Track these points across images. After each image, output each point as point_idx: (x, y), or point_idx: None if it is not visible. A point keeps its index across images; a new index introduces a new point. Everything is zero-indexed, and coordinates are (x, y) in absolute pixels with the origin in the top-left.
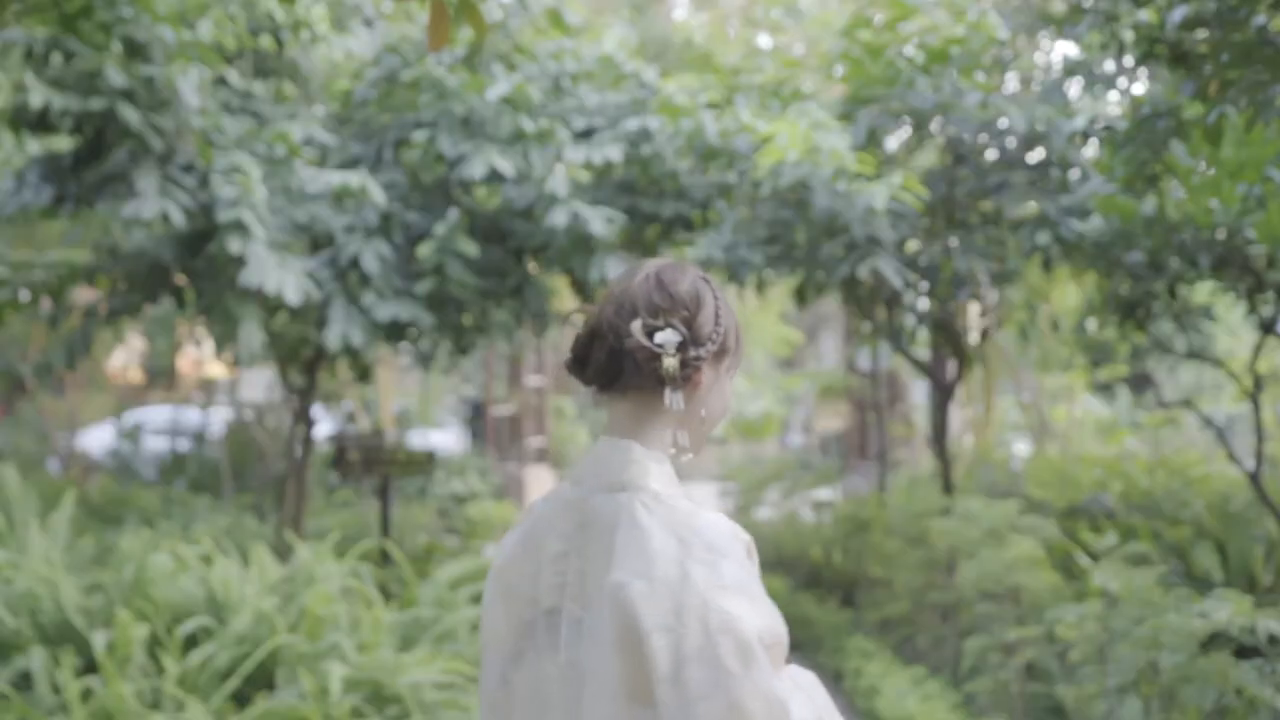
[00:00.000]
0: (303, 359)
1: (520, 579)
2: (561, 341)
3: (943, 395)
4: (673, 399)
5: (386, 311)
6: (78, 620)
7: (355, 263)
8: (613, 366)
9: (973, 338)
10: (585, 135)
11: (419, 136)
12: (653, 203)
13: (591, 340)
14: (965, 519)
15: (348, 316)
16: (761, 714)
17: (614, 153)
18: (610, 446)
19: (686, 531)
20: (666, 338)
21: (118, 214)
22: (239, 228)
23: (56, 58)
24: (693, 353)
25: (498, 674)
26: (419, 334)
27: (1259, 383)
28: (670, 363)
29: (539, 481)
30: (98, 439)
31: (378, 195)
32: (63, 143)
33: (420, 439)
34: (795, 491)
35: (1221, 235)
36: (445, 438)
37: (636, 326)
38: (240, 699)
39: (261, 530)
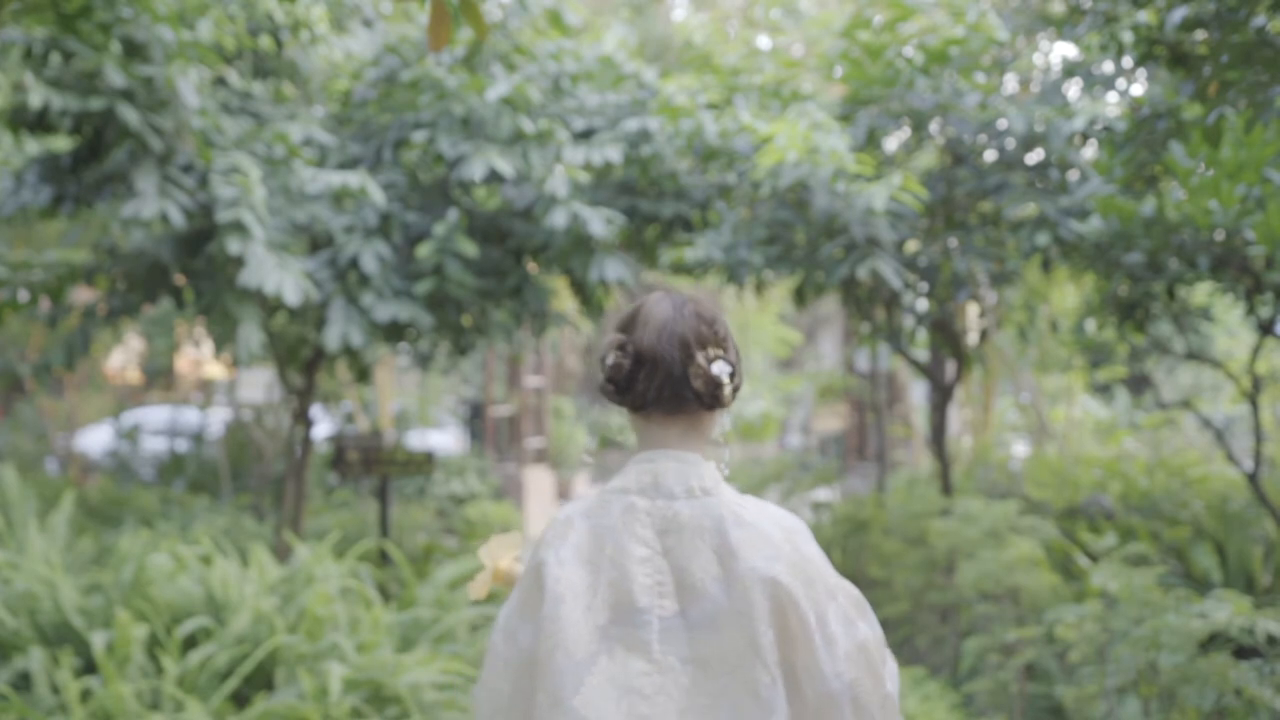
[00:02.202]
0: (302, 359)
1: (596, 588)
2: (561, 343)
3: (942, 396)
4: (725, 420)
5: (386, 312)
6: (77, 620)
7: (355, 263)
8: (667, 392)
9: (972, 339)
10: (585, 136)
11: (419, 137)
12: (652, 203)
13: (638, 368)
14: (964, 519)
15: (347, 317)
16: (875, 650)
17: (614, 153)
18: (679, 460)
19: (782, 519)
20: (722, 369)
21: (117, 214)
22: (238, 228)
23: (56, 58)
24: (737, 380)
25: (572, 683)
26: (418, 334)
27: (1257, 384)
28: (728, 390)
29: (538, 482)
30: (96, 439)
31: (377, 195)
32: (62, 143)
33: (419, 439)
34: (794, 492)
35: (1220, 236)
36: (444, 438)
37: (703, 359)
38: (240, 699)
39: (260, 530)
